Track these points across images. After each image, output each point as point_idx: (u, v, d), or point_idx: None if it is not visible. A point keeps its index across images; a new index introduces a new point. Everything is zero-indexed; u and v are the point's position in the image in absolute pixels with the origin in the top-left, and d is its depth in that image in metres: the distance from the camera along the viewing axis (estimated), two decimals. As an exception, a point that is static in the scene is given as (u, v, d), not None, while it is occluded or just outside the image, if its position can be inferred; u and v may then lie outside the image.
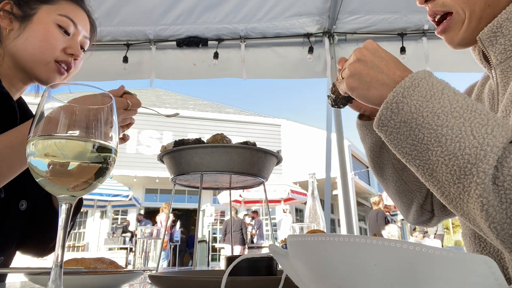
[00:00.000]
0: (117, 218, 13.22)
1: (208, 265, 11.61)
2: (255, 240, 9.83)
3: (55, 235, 0.43)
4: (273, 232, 1.59)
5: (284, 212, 10.35)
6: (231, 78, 2.47)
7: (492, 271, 0.27)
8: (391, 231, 6.48)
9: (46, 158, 0.43)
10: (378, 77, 0.62)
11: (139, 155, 12.31)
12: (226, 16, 2.23)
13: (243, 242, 9.12)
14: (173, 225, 10.23)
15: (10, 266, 0.97)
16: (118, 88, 0.89)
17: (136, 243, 1.23)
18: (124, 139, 0.94)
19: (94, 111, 0.45)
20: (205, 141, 0.95)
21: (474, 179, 0.49)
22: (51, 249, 1.00)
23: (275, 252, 0.38)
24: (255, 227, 9.91)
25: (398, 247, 0.29)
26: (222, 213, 13.07)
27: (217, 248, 12.30)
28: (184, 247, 12.77)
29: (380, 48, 0.65)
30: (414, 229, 8.89)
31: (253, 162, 0.95)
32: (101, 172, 0.45)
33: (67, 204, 0.44)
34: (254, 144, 0.96)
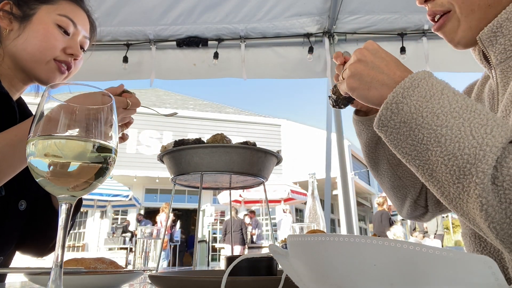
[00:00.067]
0: (117, 218, 13.21)
1: (208, 265, 11.61)
2: (254, 240, 9.83)
3: (54, 234, 0.43)
4: (273, 232, 1.59)
5: (284, 212, 10.34)
6: (231, 78, 2.48)
7: (492, 271, 0.27)
8: (396, 233, 6.47)
9: (46, 158, 0.43)
10: (379, 77, 0.62)
11: (139, 155, 12.31)
12: (226, 16, 2.23)
13: (243, 242, 9.12)
14: (173, 225, 10.23)
15: (10, 266, 0.97)
16: (118, 86, 0.89)
17: (136, 243, 1.23)
18: (123, 138, 0.94)
19: (94, 111, 0.45)
20: (205, 141, 0.95)
21: (473, 179, 0.49)
22: (51, 249, 1.00)
23: (275, 252, 0.38)
24: (254, 227, 9.91)
25: (398, 247, 0.29)
26: (222, 213, 13.07)
27: (217, 248, 12.30)
28: (183, 248, 12.77)
29: (381, 48, 0.65)
30: (414, 229, 8.89)
31: (253, 162, 0.95)
32: (101, 172, 0.45)
33: (67, 204, 0.44)
34: (254, 144, 0.96)
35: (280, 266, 0.58)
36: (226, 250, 9.89)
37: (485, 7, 0.67)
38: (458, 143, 0.50)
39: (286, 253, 0.37)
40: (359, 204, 16.06)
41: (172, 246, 9.94)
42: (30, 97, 1.09)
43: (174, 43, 2.37)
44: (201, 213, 10.06)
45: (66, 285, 0.58)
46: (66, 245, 0.47)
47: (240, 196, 9.74)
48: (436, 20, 0.74)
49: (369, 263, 0.30)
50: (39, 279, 0.66)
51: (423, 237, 8.03)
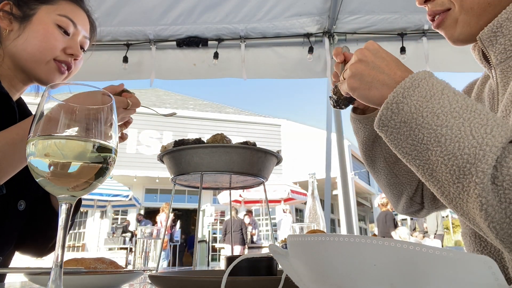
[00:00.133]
0: (117, 218, 13.21)
1: (208, 265, 11.60)
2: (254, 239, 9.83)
3: (54, 234, 0.43)
4: (273, 232, 1.60)
5: (284, 212, 10.34)
6: (231, 78, 2.48)
7: (492, 271, 0.27)
8: (401, 234, 6.46)
9: (46, 158, 0.43)
10: (379, 77, 0.62)
11: (139, 155, 12.31)
12: (226, 16, 2.23)
13: (243, 242, 9.12)
14: (173, 225, 10.22)
15: (9, 266, 0.97)
16: (118, 85, 0.89)
17: (136, 243, 1.22)
18: (122, 138, 0.94)
19: (94, 111, 0.45)
20: (205, 141, 0.95)
21: (473, 179, 0.49)
22: (51, 249, 1.00)
23: (275, 252, 0.38)
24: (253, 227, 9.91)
25: (398, 247, 0.29)
26: (222, 213, 13.07)
27: (217, 248, 12.30)
28: (183, 248, 12.77)
29: (381, 48, 0.66)
30: (414, 229, 8.89)
31: (253, 162, 0.95)
32: (101, 172, 0.45)
33: (67, 204, 0.44)
34: (254, 144, 0.96)
35: (280, 266, 0.58)
36: (226, 250, 9.89)
37: (485, 5, 0.67)
38: (458, 143, 0.50)
39: (286, 253, 0.37)
40: (359, 204, 16.06)
41: (172, 246, 9.94)
42: (30, 97, 1.09)
43: (174, 43, 2.38)
44: (201, 213, 10.06)
45: (66, 285, 0.58)
46: (66, 245, 0.47)
47: (240, 196, 9.74)
48: (436, 19, 0.74)
49: (369, 263, 0.30)
50: (39, 279, 0.66)
51: (423, 237, 8.03)
